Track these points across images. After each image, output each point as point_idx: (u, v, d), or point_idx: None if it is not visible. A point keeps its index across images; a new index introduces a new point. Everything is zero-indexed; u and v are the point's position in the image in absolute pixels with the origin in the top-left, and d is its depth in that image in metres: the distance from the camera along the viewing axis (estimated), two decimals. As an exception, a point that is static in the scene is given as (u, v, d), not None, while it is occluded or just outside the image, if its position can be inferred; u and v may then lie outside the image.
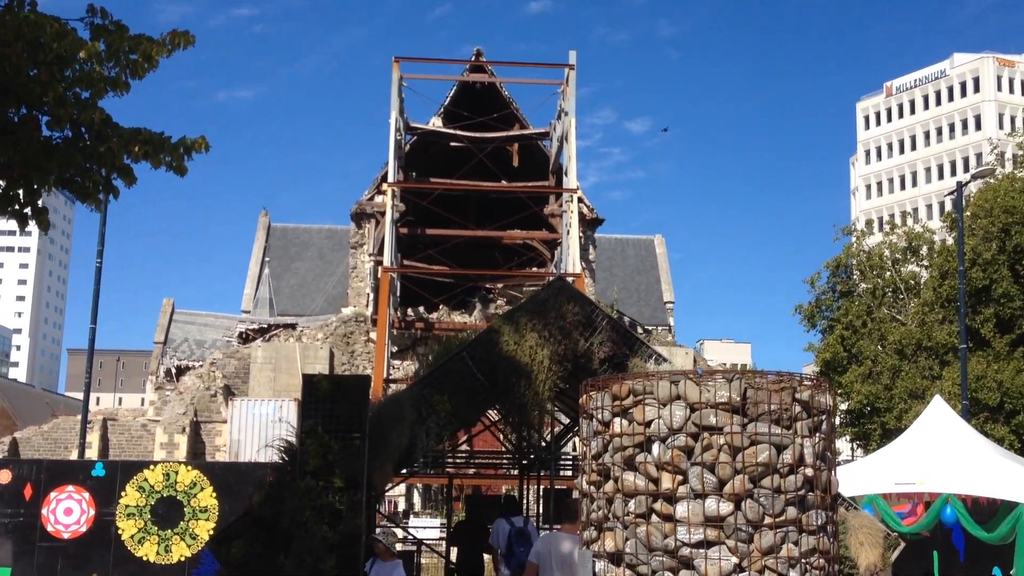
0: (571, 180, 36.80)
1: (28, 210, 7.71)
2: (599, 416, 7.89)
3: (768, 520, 7.00)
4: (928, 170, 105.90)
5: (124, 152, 7.67)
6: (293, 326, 47.28)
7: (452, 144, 42.12)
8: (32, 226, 8.12)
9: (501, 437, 17.51)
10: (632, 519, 7.38)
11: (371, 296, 43.54)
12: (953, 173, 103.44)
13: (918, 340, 39.94)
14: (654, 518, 7.34)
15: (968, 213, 38.24)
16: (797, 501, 7.18)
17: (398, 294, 40.46)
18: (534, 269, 42.59)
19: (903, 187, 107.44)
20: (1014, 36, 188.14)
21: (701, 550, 7.20)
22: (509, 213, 42.18)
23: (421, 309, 42.90)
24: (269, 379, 42.97)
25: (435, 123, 42.72)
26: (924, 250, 43.89)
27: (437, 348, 13.80)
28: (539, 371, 11.35)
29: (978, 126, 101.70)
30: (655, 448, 7.47)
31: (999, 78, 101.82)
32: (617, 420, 7.63)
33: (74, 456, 36.83)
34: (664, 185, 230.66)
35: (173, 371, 49.55)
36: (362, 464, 11.49)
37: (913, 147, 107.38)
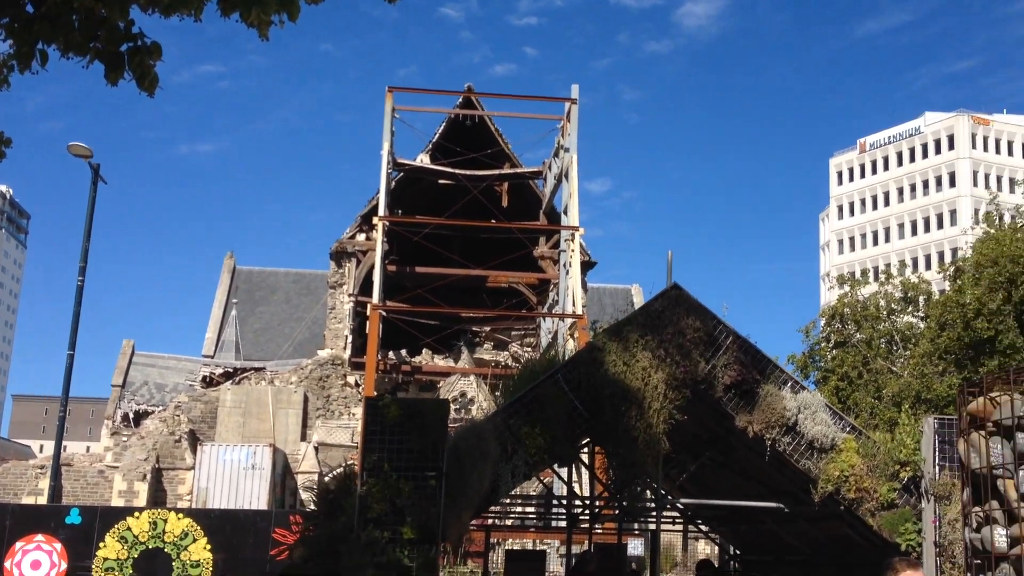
0: (572, 218, 35.15)
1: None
2: None
3: None
4: (901, 226, 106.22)
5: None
6: (262, 369, 44.85)
7: (440, 181, 40.35)
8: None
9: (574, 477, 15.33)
10: None
11: (349, 338, 41.34)
12: (927, 230, 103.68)
13: (917, 392, 38.58)
14: None
15: (972, 262, 37.18)
16: None
17: (380, 336, 38.33)
18: (525, 311, 40.72)
19: (875, 243, 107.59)
20: (986, 97, 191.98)
21: None
22: (497, 255, 40.40)
23: (403, 352, 40.76)
24: (239, 424, 40.49)
25: (423, 159, 40.96)
26: (921, 300, 42.76)
27: (520, 369, 11.74)
28: (653, 398, 9.48)
29: (952, 183, 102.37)
30: None
31: (974, 136, 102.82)
32: None
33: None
34: (626, 244, 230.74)
35: (131, 415, 46.71)
36: (438, 511, 9.42)
37: (886, 203, 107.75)
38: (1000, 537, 5.76)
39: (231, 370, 45.59)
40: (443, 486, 9.43)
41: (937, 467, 11.45)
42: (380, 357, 38.60)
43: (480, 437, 9.76)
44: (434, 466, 9.47)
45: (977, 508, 6.10)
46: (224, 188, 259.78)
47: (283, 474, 37.43)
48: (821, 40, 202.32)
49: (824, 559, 15.07)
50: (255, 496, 35.67)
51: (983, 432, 6.06)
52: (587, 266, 42.31)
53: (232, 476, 36.00)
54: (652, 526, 15.40)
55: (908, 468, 13.20)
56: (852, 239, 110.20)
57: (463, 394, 38.69)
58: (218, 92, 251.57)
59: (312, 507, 10.37)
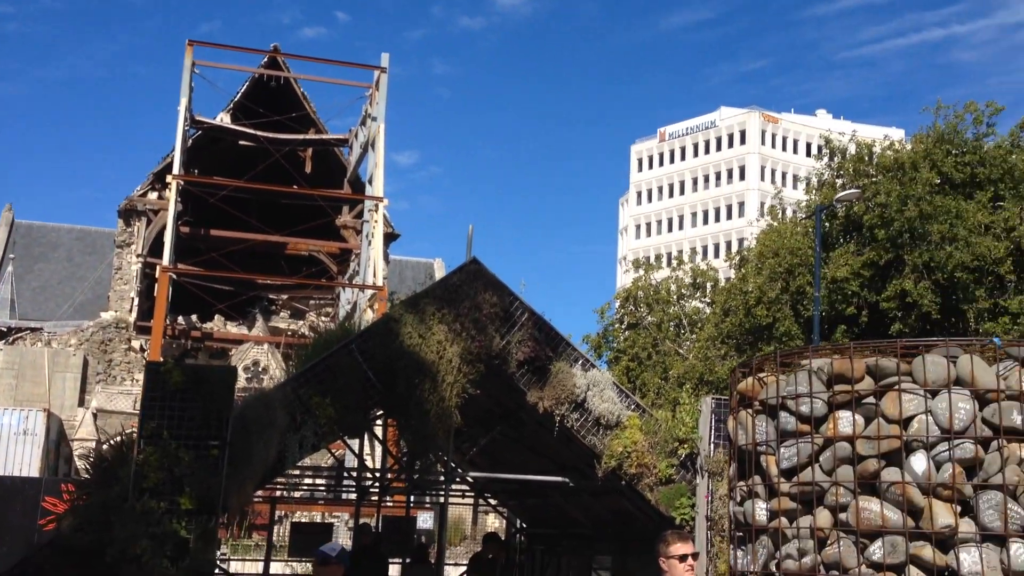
0: (377, 188, 34.76)
1: None
2: (795, 408, 5.77)
3: None
4: (694, 215, 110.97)
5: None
6: (39, 330, 42.34)
7: (241, 143, 39.07)
8: None
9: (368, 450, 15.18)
10: (874, 574, 5.27)
11: (135, 301, 39.56)
12: (717, 219, 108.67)
13: (700, 374, 40.43)
14: (915, 572, 5.35)
15: (756, 252, 39.15)
16: None
17: (169, 299, 36.86)
18: (324, 281, 40.06)
19: (670, 229, 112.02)
20: (776, 96, 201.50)
21: None
22: (297, 222, 39.55)
23: (194, 318, 39.35)
24: (10, 386, 38.15)
25: (223, 119, 39.52)
26: (708, 287, 44.72)
27: (314, 338, 11.48)
28: (447, 371, 9.49)
29: (742, 176, 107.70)
30: (918, 461, 5.48)
31: (764, 132, 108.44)
32: (843, 415, 5.61)
33: None
34: (432, 218, 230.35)
35: None
36: (220, 481, 9.15)
37: (682, 192, 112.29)
38: (761, 510, 6.07)
39: (4, 329, 42.87)
40: (226, 456, 9.14)
41: (712, 445, 12.04)
42: (168, 322, 37.12)
43: (268, 406, 9.52)
44: (217, 435, 9.17)
45: (742, 483, 6.41)
46: (6, 136, 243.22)
47: (58, 441, 35.56)
48: (628, 29, 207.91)
49: (605, 532, 15.58)
50: (26, 463, 33.79)
51: (750, 410, 6.37)
52: (390, 238, 42.02)
53: (1, 441, 33.94)
54: (442, 499, 15.49)
55: (686, 445, 13.80)
56: (649, 225, 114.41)
57: (256, 363, 37.78)
58: (5, 35, 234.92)
59: (86, 475, 9.88)
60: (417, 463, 13.93)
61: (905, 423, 5.53)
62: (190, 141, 38.59)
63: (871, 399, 5.68)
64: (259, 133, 38.19)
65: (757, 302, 36.67)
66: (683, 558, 5.75)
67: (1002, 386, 5.44)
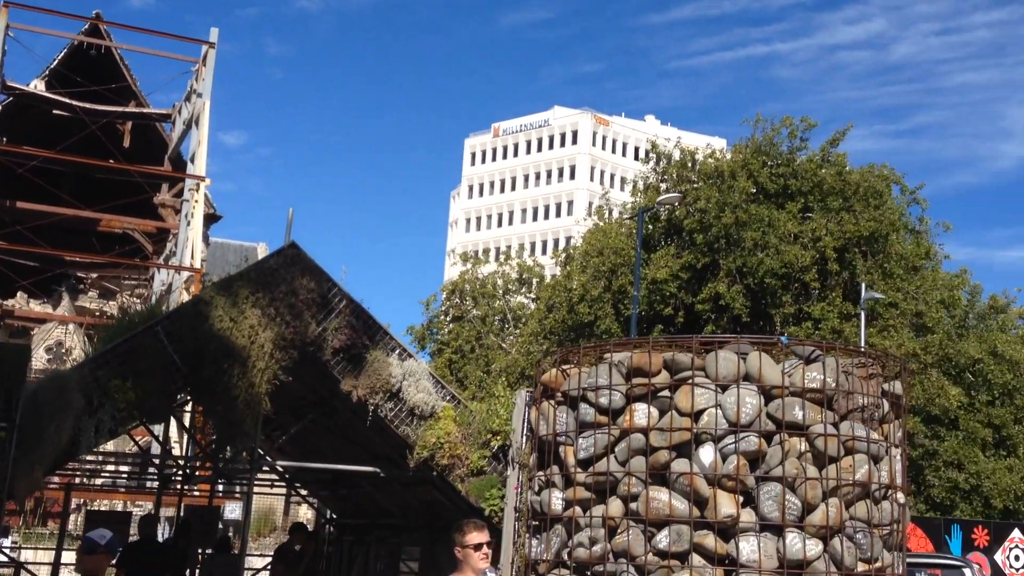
0: (199, 167, 33.64)
1: None
2: (595, 400, 5.81)
3: (862, 568, 5.35)
4: (524, 211, 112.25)
5: None
6: None
7: (55, 112, 37.10)
8: None
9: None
10: (660, 563, 5.35)
11: (-71, 274, 37.07)
12: (546, 217, 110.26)
13: (522, 368, 40.97)
14: (698, 560, 5.44)
15: (581, 251, 39.93)
16: (888, 540, 5.49)
17: (-32, 274, 34.73)
18: (138, 260, 38.49)
19: (499, 224, 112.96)
20: (609, 99, 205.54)
21: None
22: (113, 197, 37.85)
23: (-6, 294, 37.18)
24: None
25: (37, 86, 37.43)
26: (534, 283, 45.33)
27: (117, 318, 10.96)
28: (258, 357, 9.26)
29: (572, 175, 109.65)
30: (706, 453, 5.59)
31: (595, 134, 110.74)
32: (639, 407, 5.66)
33: None
34: (258, 201, 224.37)
35: None
36: (6, 465, 8.68)
37: (513, 187, 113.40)
38: (556, 500, 6.18)
39: None
40: (14, 438, 8.66)
41: (524, 437, 12.19)
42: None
43: (62, 388, 9.06)
44: (6, 416, 8.67)
45: (540, 473, 6.52)
46: None
47: None
48: (467, 24, 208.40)
49: (414, 523, 15.57)
50: None
51: (552, 402, 6.47)
52: (211, 219, 40.73)
53: None
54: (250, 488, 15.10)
55: (499, 437, 13.96)
56: (479, 219, 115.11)
57: (60, 344, 35.99)
58: None
59: None
60: (225, 450, 13.57)
61: (696, 416, 5.75)
62: (0, 107, 36.47)
63: (666, 392, 5.87)
64: (75, 103, 36.36)
65: (580, 299, 37.38)
66: (478, 547, 5.80)
67: (786, 383, 5.72)
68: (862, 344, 29.02)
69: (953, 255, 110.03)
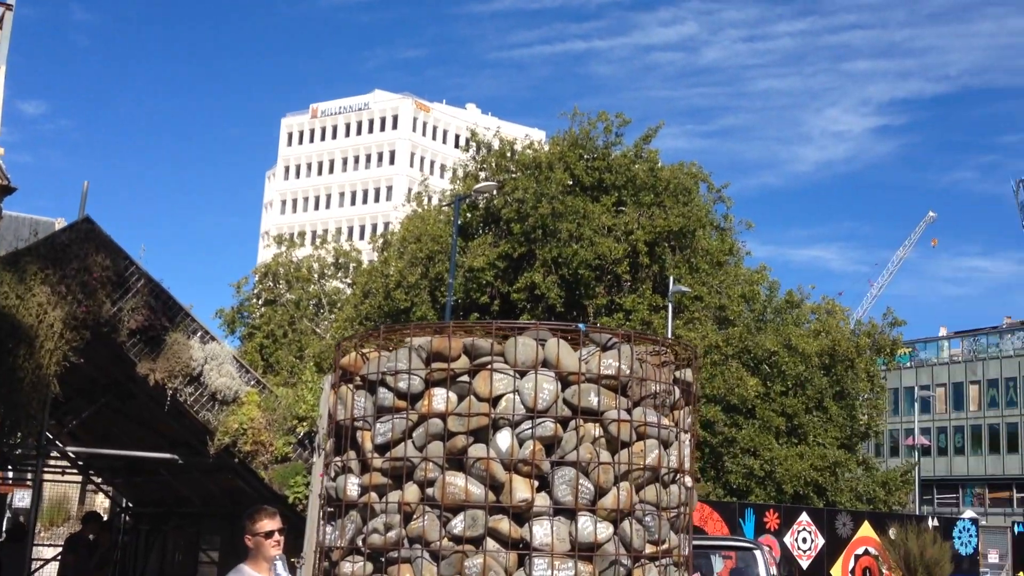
0: (-9, 135, 31.54)
1: None
2: (394, 384, 5.65)
3: (650, 549, 5.38)
4: (342, 194, 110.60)
5: None
6: None
7: None
8: None
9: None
10: (454, 548, 5.26)
11: None
12: (364, 201, 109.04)
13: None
14: (492, 545, 5.35)
15: (399, 237, 39.73)
16: (675, 522, 5.59)
17: None
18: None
19: (316, 207, 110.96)
20: (430, 86, 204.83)
21: None
22: None
23: None
24: None
25: None
26: (351, 268, 44.84)
27: None
28: (46, 337, 8.72)
29: (392, 161, 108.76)
30: (503, 438, 5.50)
31: (415, 120, 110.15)
32: (438, 392, 5.51)
33: None
34: (59, 174, 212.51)
35: None
36: None
37: (331, 170, 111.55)
38: (352, 486, 6.08)
39: None
40: None
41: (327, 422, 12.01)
42: None
43: None
44: None
45: (337, 458, 6.40)
46: None
47: None
48: (285, 2, 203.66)
49: (215, 512, 15.10)
50: None
51: (351, 386, 6.36)
52: (5, 191, 38.33)
53: None
54: (40, 476, 14.28)
55: (305, 423, 13.68)
56: (295, 201, 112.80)
57: None
58: None
59: None
60: (14, 436, 12.77)
61: (494, 401, 5.78)
62: None
63: (465, 378, 5.86)
64: None
65: (397, 286, 37.20)
66: (269, 534, 5.66)
67: (583, 369, 5.81)
68: (669, 335, 30.06)
69: (754, 252, 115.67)
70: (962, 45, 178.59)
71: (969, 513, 48.25)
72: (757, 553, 16.10)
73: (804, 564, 22.64)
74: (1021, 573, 25.69)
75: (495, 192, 34.36)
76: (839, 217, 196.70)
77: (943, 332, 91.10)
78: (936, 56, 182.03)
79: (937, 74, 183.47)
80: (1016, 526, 27.20)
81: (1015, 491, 77.81)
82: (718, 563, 16.56)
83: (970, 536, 25.19)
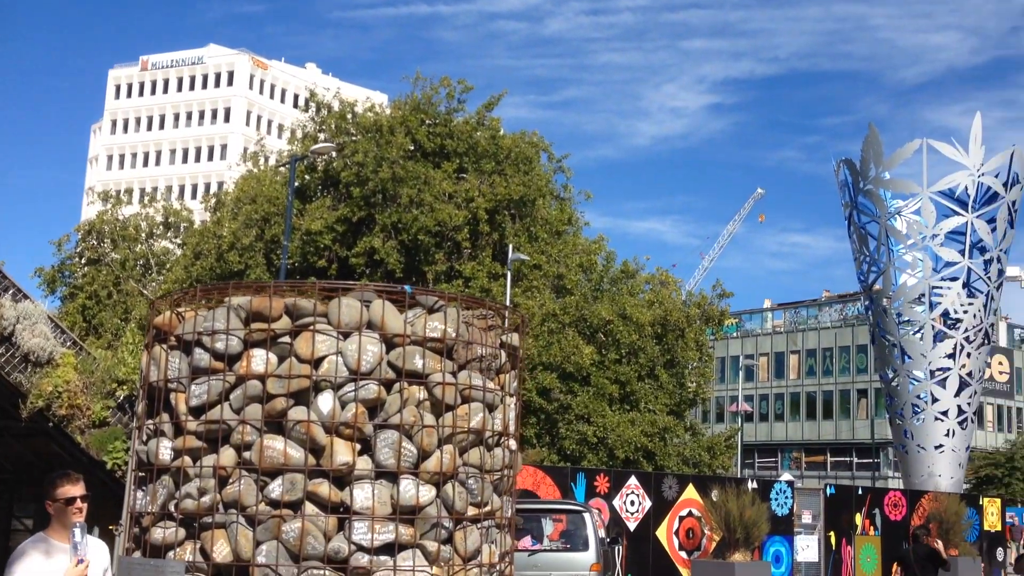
0: None
1: None
2: (211, 344, 5.37)
3: (472, 512, 5.29)
4: (173, 151, 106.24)
5: None
6: None
7: None
8: None
9: None
10: (271, 512, 5.04)
11: None
12: (197, 159, 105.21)
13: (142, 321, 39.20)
14: (311, 509, 5.14)
15: (233, 197, 38.71)
16: (499, 484, 5.55)
17: None
18: None
19: (145, 164, 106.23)
20: (269, 43, 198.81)
21: (386, 558, 5.28)
22: None
23: None
24: None
25: None
26: (182, 227, 43.43)
27: None
28: None
29: (227, 118, 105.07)
30: (324, 400, 5.27)
31: (252, 77, 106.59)
32: (257, 353, 5.26)
33: None
34: None
35: None
36: None
37: (162, 126, 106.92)
38: (165, 449, 5.85)
39: None
40: None
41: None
42: None
43: None
44: None
45: (149, 421, 6.14)
46: None
47: None
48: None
49: (28, 478, 14.41)
50: None
51: (165, 346, 6.10)
52: None
53: None
54: None
55: (125, 387, 13.16)
56: (123, 156, 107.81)
57: None
58: None
59: None
60: None
61: (316, 363, 5.66)
62: None
63: (287, 338, 5.71)
64: None
65: (230, 247, 36.25)
66: (70, 501, 5.42)
67: (409, 331, 5.74)
68: (508, 303, 30.31)
69: (592, 223, 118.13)
70: (791, 29, 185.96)
71: (786, 476, 50.80)
72: (586, 516, 16.48)
73: (632, 526, 23.29)
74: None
75: (334, 154, 33.80)
76: (675, 191, 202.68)
77: (767, 304, 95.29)
78: (767, 38, 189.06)
79: (767, 56, 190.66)
80: (828, 488, 28.73)
81: (829, 455, 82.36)
82: (548, 526, 16.87)
83: (786, 498, 26.43)
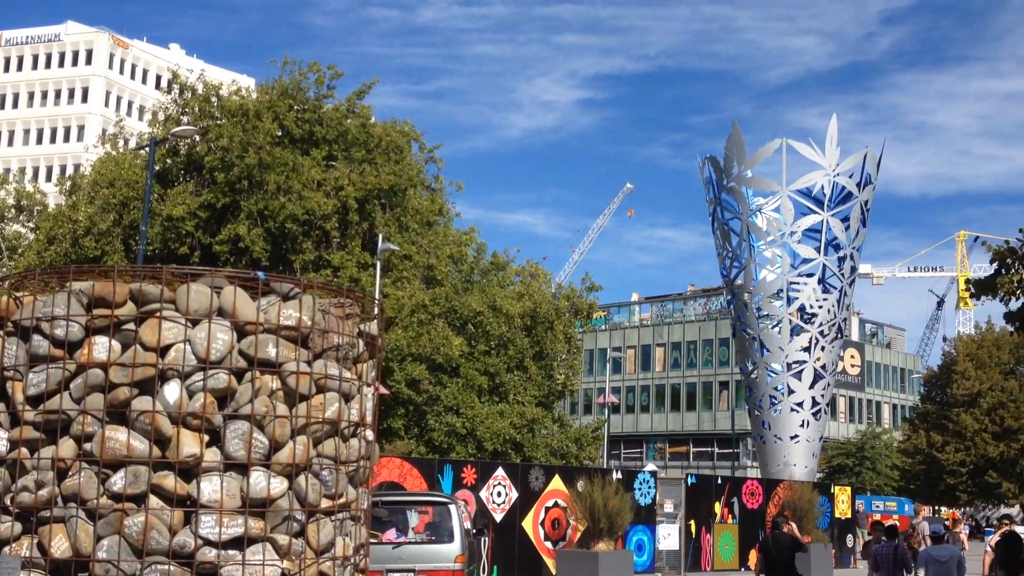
0: None
1: None
2: (50, 331, 4.98)
3: (326, 504, 5.03)
4: (27, 131, 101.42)
5: None
6: None
7: None
8: None
9: None
10: (113, 506, 4.74)
11: None
12: (52, 140, 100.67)
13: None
14: (156, 502, 4.81)
15: (90, 180, 37.30)
16: (354, 476, 5.30)
17: None
18: None
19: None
20: (130, 22, 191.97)
21: (235, 552, 5.04)
22: None
23: None
24: None
25: None
26: (35, 211, 41.65)
27: None
28: None
29: (84, 98, 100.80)
30: (171, 390, 4.93)
31: (112, 56, 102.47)
32: (100, 340, 4.89)
33: None
34: None
35: None
36: None
37: (15, 105, 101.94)
38: (0, 440, 5.54)
39: None
40: None
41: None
42: None
43: None
44: None
45: (-17, 411, 5.82)
46: None
47: None
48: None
49: None
50: None
51: (1, 332, 5.77)
52: None
53: None
54: None
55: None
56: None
57: None
58: None
59: None
60: None
61: (163, 351, 5.41)
62: None
63: (131, 325, 5.45)
64: None
65: (87, 232, 34.92)
66: None
67: (262, 319, 5.56)
68: (377, 293, 30.01)
69: (464, 214, 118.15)
70: (661, 27, 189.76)
71: (650, 466, 51.91)
72: (452, 507, 16.45)
73: (498, 517, 23.41)
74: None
75: (197, 138, 32.85)
76: (546, 184, 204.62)
77: (635, 297, 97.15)
78: (637, 36, 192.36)
79: (637, 53, 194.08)
80: (689, 477, 29.45)
81: (691, 445, 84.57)
82: (414, 518, 16.78)
83: (649, 487, 27.00)
